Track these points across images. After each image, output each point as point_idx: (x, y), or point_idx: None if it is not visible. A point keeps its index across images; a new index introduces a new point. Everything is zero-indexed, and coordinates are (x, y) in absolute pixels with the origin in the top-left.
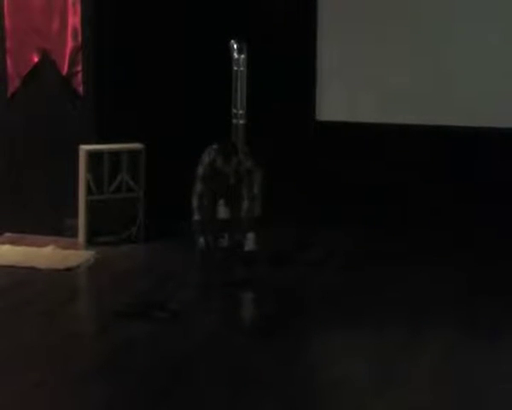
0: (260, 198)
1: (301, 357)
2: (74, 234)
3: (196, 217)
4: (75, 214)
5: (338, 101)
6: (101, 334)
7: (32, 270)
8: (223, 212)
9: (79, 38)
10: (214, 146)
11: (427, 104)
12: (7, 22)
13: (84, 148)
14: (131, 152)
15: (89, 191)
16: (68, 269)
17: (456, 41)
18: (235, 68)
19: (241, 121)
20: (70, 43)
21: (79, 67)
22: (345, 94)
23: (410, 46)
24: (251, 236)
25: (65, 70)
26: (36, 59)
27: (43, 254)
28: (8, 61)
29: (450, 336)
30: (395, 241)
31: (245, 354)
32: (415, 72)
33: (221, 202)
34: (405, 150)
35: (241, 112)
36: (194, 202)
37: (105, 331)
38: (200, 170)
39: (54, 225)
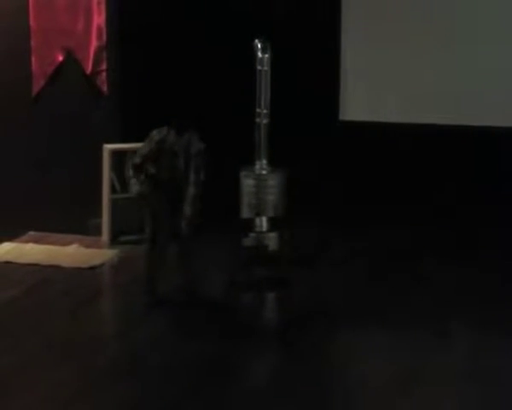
0: (202, 185)
1: (327, 357)
2: (98, 233)
3: (135, 188)
4: (99, 213)
5: (362, 100)
6: (125, 333)
7: (55, 268)
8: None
9: (104, 37)
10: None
11: (451, 104)
12: (32, 22)
13: (108, 147)
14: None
15: (113, 190)
16: (92, 268)
17: (481, 41)
18: (259, 68)
19: (265, 121)
20: (94, 42)
21: (104, 66)
22: (369, 93)
23: (435, 46)
24: (274, 236)
25: (89, 69)
26: (60, 58)
27: (66, 252)
28: (34, 61)
29: (476, 336)
30: (419, 240)
31: (270, 359)
32: (439, 72)
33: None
34: (430, 150)
35: (264, 111)
36: (130, 172)
37: (129, 331)
38: (146, 147)
39: (78, 224)
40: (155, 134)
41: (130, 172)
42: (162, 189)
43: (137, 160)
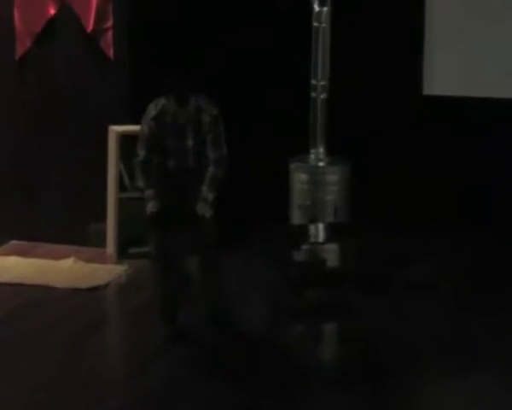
0: (226, 162)
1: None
2: (101, 243)
3: (147, 190)
4: (102, 217)
5: (448, 73)
6: (135, 376)
7: (45, 289)
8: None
9: None
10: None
11: None
12: None
13: (115, 129)
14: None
15: (120, 187)
16: (93, 289)
17: None
18: (316, 24)
19: (323, 95)
20: None
21: (109, 23)
22: (456, 66)
23: None
24: (333, 248)
25: (90, 26)
26: (52, 11)
27: (60, 268)
28: (17, 16)
29: None
30: None
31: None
32: None
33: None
34: None
35: (322, 83)
36: (141, 180)
37: (140, 372)
38: (144, 131)
39: (74, 231)
40: (151, 108)
41: (141, 181)
42: (173, 185)
43: (141, 154)
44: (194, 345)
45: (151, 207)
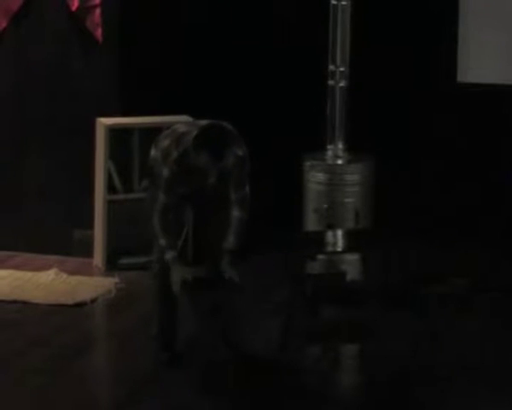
0: (248, 205)
1: None
2: (87, 252)
3: (168, 252)
4: (89, 223)
5: (485, 59)
6: (126, 407)
7: (23, 306)
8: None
9: None
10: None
11: None
12: None
13: (104, 121)
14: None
15: (110, 188)
16: (78, 305)
17: None
18: (334, 2)
19: (342, 83)
20: None
21: (97, 0)
22: (494, 51)
23: None
24: (354, 259)
25: (75, 4)
26: None
27: (41, 281)
28: None
29: None
30: None
31: None
32: None
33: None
34: None
35: (341, 69)
36: (156, 224)
37: (132, 402)
38: (165, 172)
39: (57, 239)
40: (169, 146)
41: (162, 238)
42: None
43: (161, 198)
44: (193, 371)
45: (180, 275)
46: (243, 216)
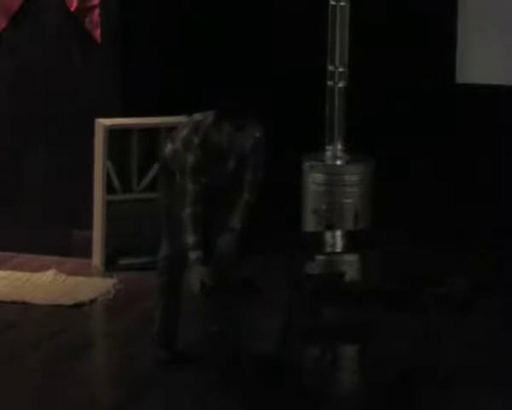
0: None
1: None
2: (86, 253)
3: (194, 251)
4: (88, 224)
5: (483, 60)
6: (127, 407)
7: (22, 307)
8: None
9: None
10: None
11: None
12: None
13: (103, 122)
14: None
15: (109, 188)
16: (77, 306)
17: None
18: (333, 3)
19: (341, 84)
20: None
21: (96, 0)
22: (492, 52)
23: None
24: (353, 260)
25: (74, 5)
26: None
27: (40, 282)
28: None
29: None
30: None
31: None
32: None
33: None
34: None
35: (340, 70)
36: (187, 218)
37: (130, 405)
38: (190, 158)
39: (56, 240)
40: (189, 134)
41: (189, 234)
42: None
43: (189, 187)
44: (194, 371)
45: (200, 276)
46: (251, 199)
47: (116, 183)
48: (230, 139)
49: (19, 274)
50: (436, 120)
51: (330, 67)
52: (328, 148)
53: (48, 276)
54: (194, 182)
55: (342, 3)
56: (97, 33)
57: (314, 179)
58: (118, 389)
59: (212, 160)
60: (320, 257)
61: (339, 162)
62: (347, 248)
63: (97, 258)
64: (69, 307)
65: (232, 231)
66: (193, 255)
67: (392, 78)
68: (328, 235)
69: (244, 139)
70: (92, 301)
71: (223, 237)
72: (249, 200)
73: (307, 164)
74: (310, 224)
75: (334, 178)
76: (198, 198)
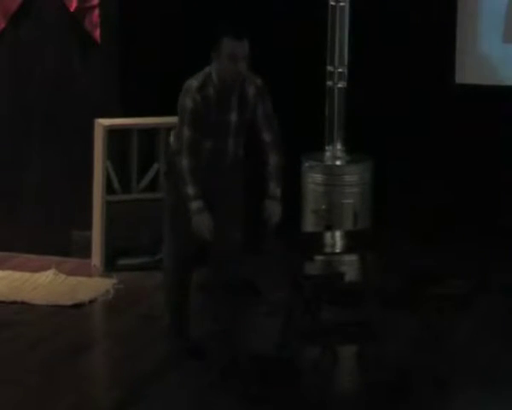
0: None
1: None
2: (85, 253)
3: (195, 201)
4: (87, 223)
5: (483, 60)
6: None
7: (22, 307)
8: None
9: None
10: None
11: None
12: None
13: (102, 122)
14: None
15: (108, 189)
16: (77, 306)
17: None
18: (333, 3)
19: (340, 84)
20: None
21: (95, 0)
22: (490, 52)
23: None
24: (353, 259)
25: (74, 5)
26: None
27: (39, 282)
28: None
29: None
30: None
31: None
32: None
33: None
34: None
35: (339, 70)
36: (185, 166)
37: (131, 406)
38: (188, 103)
39: (55, 240)
40: (191, 82)
41: (190, 186)
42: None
43: (186, 134)
44: (193, 369)
45: (209, 224)
46: (279, 160)
47: (116, 183)
48: (230, 76)
49: (18, 274)
50: (436, 120)
51: (330, 68)
52: (327, 148)
53: (47, 276)
54: (191, 128)
55: (342, 3)
56: (97, 33)
57: (314, 180)
58: (118, 389)
59: (212, 106)
60: (320, 257)
61: (338, 162)
62: (347, 249)
63: (97, 258)
64: (69, 307)
65: (274, 199)
66: (194, 205)
67: (392, 78)
68: (327, 235)
69: (246, 87)
70: (92, 301)
71: (267, 203)
72: (279, 161)
73: (307, 164)
74: (309, 224)
75: (333, 179)
76: (194, 147)
